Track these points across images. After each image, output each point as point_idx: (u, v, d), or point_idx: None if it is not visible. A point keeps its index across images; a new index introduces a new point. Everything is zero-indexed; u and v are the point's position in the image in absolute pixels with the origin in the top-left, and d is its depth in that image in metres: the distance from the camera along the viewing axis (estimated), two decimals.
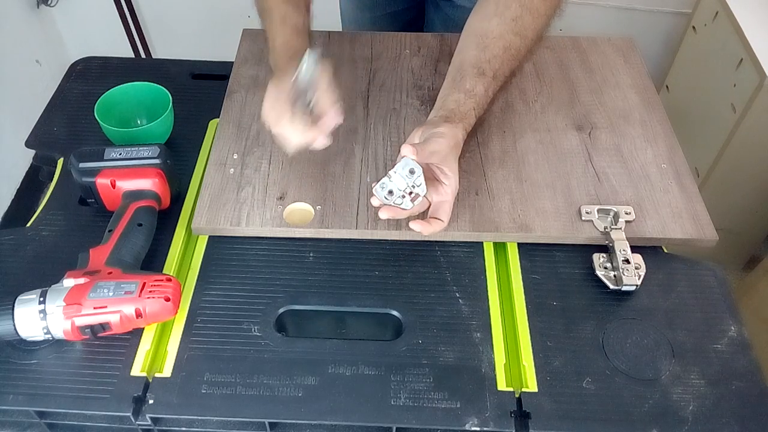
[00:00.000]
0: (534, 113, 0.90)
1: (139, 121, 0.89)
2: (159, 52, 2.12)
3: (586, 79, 0.95)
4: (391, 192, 0.69)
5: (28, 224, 0.78)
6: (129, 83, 0.86)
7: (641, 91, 0.94)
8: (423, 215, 0.74)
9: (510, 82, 0.82)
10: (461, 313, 0.69)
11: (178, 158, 0.83)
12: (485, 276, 0.73)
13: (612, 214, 0.77)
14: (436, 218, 0.72)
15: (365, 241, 0.76)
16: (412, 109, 0.90)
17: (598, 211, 0.77)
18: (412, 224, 0.71)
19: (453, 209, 0.75)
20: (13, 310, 0.62)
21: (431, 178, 0.73)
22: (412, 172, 0.68)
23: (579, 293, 0.72)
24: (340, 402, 0.62)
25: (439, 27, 1.22)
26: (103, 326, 0.63)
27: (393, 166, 0.69)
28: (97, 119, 0.81)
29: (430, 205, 0.73)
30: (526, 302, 0.71)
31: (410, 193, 0.69)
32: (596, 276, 0.72)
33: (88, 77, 0.98)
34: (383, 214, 0.70)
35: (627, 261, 0.72)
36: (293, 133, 0.72)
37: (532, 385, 0.64)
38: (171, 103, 0.84)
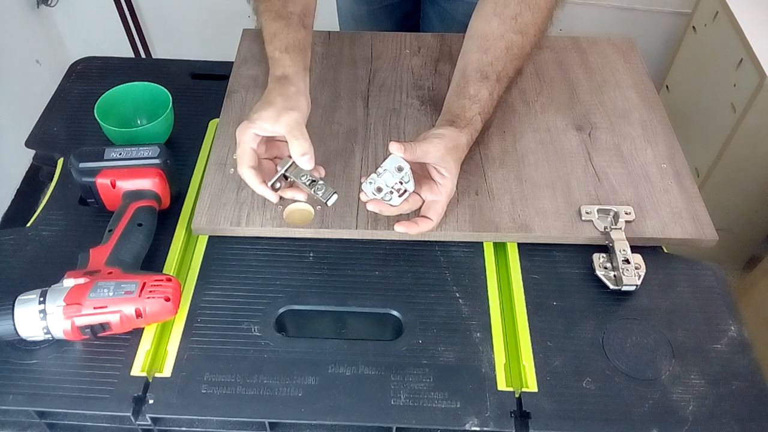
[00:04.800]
0: (534, 113, 0.90)
1: (139, 121, 0.88)
2: (159, 52, 2.12)
3: (586, 79, 0.95)
4: (379, 189, 0.69)
5: (28, 224, 0.78)
6: (129, 83, 0.86)
7: (641, 91, 0.94)
8: (415, 213, 0.74)
9: (516, 81, 0.82)
10: (461, 313, 0.69)
11: (178, 158, 0.83)
12: (485, 276, 0.73)
13: (612, 214, 0.77)
14: (425, 217, 0.72)
15: (365, 241, 0.76)
16: (412, 109, 0.90)
17: (598, 211, 0.77)
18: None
19: (453, 209, 0.75)
20: (13, 310, 0.62)
21: (427, 176, 0.73)
22: (399, 169, 0.69)
23: (579, 293, 0.72)
24: (340, 402, 0.62)
25: (435, 20, 1.21)
26: (103, 326, 0.63)
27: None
28: (97, 119, 0.81)
29: (423, 203, 0.73)
30: (526, 302, 0.71)
31: (398, 189, 0.69)
32: (596, 276, 0.72)
33: (88, 77, 0.98)
34: (370, 207, 0.70)
35: (627, 261, 0.72)
36: (259, 189, 0.71)
37: (532, 385, 0.64)
38: (171, 103, 0.84)
